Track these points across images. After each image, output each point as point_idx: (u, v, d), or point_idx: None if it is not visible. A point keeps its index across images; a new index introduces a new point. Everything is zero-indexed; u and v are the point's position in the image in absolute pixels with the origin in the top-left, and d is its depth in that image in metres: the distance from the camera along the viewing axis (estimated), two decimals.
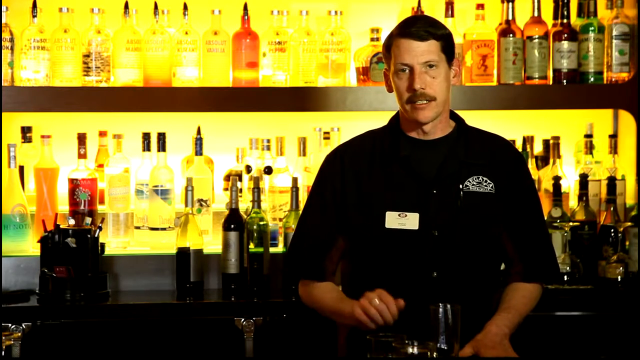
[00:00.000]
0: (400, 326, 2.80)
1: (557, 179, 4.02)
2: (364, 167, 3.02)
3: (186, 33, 4.07)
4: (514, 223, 3.02)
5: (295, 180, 3.95)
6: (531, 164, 4.21)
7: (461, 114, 3.09)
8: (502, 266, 3.12)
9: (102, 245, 3.81)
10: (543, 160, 4.27)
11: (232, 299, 3.81)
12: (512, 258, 3.04)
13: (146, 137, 4.05)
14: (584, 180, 4.05)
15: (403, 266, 2.95)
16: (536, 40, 4.15)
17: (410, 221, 2.95)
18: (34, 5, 4.01)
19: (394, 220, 2.95)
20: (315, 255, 3.05)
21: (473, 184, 2.98)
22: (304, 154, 4.17)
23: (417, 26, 2.92)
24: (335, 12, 4.14)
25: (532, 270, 3.04)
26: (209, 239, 4.03)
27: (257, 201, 3.87)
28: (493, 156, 3.02)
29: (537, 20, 4.18)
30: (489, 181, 2.99)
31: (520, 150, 4.21)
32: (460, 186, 2.97)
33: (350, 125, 4.13)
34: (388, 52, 2.97)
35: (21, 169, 4.04)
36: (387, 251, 2.96)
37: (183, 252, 3.84)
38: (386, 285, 2.94)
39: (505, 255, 3.06)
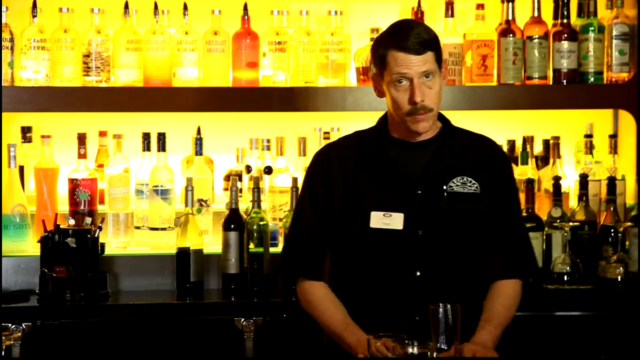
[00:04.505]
0: (395, 326, 2.83)
1: (557, 179, 4.02)
2: (350, 167, 3.05)
3: (186, 33, 4.07)
4: (496, 220, 3.06)
5: (295, 180, 3.95)
6: (531, 164, 4.21)
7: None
8: None
9: (102, 245, 3.81)
10: (543, 160, 4.27)
11: (232, 299, 3.81)
12: (493, 254, 3.07)
13: (146, 137, 4.05)
14: (584, 180, 4.05)
15: (387, 265, 2.99)
16: (536, 40, 4.15)
17: (394, 221, 2.98)
18: (34, 5, 4.01)
19: (378, 220, 2.98)
20: (313, 255, 3.08)
21: (457, 185, 3.02)
22: (304, 154, 4.17)
23: (412, 39, 2.92)
24: (335, 12, 4.15)
25: (512, 265, 3.08)
26: (209, 239, 4.03)
27: (257, 201, 3.87)
28: (478, 156, 3.07)
29: (537, 20, 4.18)
30: (473, 181, 3.03)
31: (520, 150, 4.22)
32: (445, 187, 3.00)
33: (350, 125, 4.12)
34: (382, 61, 2.98)
35: (21, 169, 4.04)
36: (371, 250, 3.00)
37: (183, 252, 3.84)
38: (370, 284, 3.00)
39: (486, 252, 3.08)
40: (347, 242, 3.03)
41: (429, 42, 2.94)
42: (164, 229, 4.01)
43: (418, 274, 2.97)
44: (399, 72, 2.93)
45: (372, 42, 4.12)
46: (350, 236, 3.02)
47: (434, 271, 2.98)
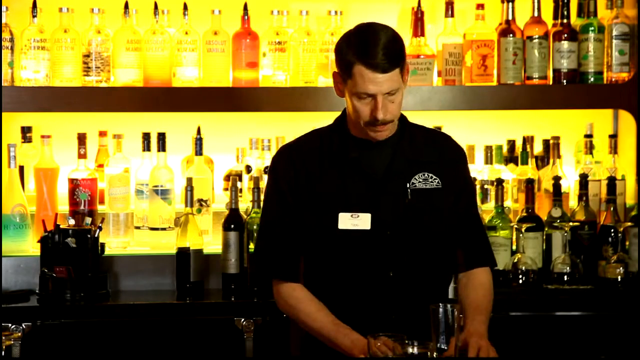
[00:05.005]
0: (373, 326, 2.85)
1: (557, 179, 4.02)
2: (314, 167, 3.04)
3: (186, 33, 4.07)
4: (458, 214, 3.07)
5: None
6: (531, 164, 4.21)
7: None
8: None
9: (102, 245, 3.81)
10: (543, 160, 4.27)
11: (232, 299, 3.81)
12: (459, 246, 3.09)
13: (146, 137, 4.05)
14: (584, 180, 4.05)
15: (358, 266, 2.99)
16: (536, 40, 4.15)
17: (362, 221, 2.98)
18: (34, 5, 4.01)
19: (346, 221, 2.99)
20: (288, 256, 3.06)
21: (419, 181, 3.03)
22: None
23: (379, 56, 2.86)
24: (335, 12, 4.15)
25: (480, 254, 3.11)
26: (209, 239, 4.03)
27: (257, 201, 3.87)
28: (438, 152, 3.08)
29: (537, 20, 4.18)
30: (434, 177, 3.04)
31: (520, 150, 4.22)
32: (408, 184, 3.01)
33: None
34: (347, 69, 2.92)
35: (21, 169, 4.04)
36: (342, 252, 3.00)
37: (183, 252, 3.85)
38: (344, 285, 3.00)
39: (453, 245, 3.11)
40: (317, 243, 3.02)
41: (396, 58, 2.89)
42: (164, 229, 4.01)
43: (391, 274, 2.99)
44: (365, 91, 2.90)
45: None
46: (319, 238, 3.01)
47: (406, 270, 3.00)
